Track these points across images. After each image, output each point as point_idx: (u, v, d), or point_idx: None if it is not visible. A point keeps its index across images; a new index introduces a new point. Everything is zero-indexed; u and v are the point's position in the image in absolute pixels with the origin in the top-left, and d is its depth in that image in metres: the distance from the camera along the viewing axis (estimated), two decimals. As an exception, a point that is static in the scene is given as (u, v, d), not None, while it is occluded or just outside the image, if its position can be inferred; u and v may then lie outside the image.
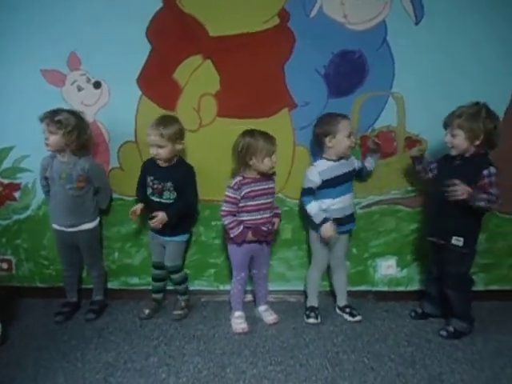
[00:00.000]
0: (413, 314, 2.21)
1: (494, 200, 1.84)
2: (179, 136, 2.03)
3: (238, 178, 1.99)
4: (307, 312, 2.20)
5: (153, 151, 2.02)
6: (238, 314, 2.12)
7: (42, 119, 2.00)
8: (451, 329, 2.01)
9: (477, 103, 1.88)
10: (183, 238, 2.20)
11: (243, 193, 1.98)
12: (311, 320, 2.16)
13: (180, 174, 2.08)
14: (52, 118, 1.98)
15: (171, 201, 2.08)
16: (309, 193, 2.05)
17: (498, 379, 1.73)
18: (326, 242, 2.12)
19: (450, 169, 1.97)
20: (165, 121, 2.01)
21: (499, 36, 2.12)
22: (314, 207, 2.04)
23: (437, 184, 1.98)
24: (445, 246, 1.96)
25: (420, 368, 1.79)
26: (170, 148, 2.01)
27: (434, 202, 2.03)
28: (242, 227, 1.99)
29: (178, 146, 2.04)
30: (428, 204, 2.18)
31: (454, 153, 1.94)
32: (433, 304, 2.16)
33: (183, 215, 2.12)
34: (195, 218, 2.29)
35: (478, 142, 1.86)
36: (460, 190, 1.83)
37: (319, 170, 2.03)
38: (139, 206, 2.11)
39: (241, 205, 2.00)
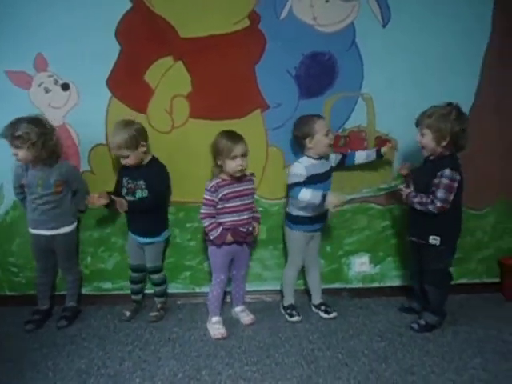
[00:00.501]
0: (399, 305, 2.27)
1: (427, 202, 1.89)
2: (138, 140, 1.99)
3: (216, 181, 1.98)
4: (288, 311, 2.22)
5: (122, 162, 2.03)
6: (215, 319, 2.09)
7: (3, 136, 1.95)
8: (422, 322, 2.06)
9: (449, 104, 1.91)
10: (161, 238, 2.19)
11: (220, 195, 1.97)
12: (295, 318, 2.18)
13: (152, 173, 2.08)
14: (12, 134, 1.93)
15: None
16: (297, 185, 2.03)
17: (466, 369, 1.78)
18: (306, 242, 2.16)
19: (418, 170, 2.03)
20: (117, 131, 1.98)
21: (464, 34, 2.19)
22: (306, 193, 1.97)
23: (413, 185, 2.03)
24: (424, 245, 2.01)
25: (392, 362, 1.83)
26: (134, 154, 2.00)
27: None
28: (220, 229, 1.99)
29: (142, 149, 2.02)
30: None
31: (424, 153, 1.98)
32: (417, 301, 2.20)
33: (153, 208, 2.09)
34: (166, 219, 2.26)
35: (444, 143, 1.89)
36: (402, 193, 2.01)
37: (305, 165, 2.04)
38: (100, 195, 2.04)
39: (219, 207, 1.99)
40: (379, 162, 2.27)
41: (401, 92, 2.21)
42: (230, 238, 2.00)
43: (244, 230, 2.04)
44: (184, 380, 1.73)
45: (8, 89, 2.11)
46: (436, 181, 1.88)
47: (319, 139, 2.02)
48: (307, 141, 2.04)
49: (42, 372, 1.79)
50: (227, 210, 2.00)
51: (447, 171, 1.86)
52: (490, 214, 2.42)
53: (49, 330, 2.11)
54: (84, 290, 2.36)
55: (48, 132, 2.01)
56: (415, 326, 2.06)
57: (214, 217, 2.00)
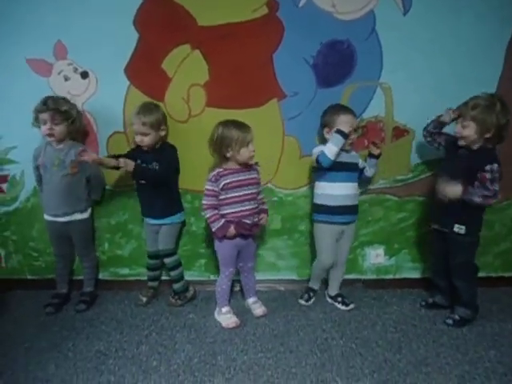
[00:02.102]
0: (423, 303, 2.22)
1: (490, 195, 1.85)
2: (162, 123, 2.07)
3: (217, 170, 1.95)
4: (302, 292, 2.27)
5: (137, 139, 2.05)
6: (225, 309, 2.08)
7: (42, 110, 1.99)
8: (457, 317, 2.04)
9: (492, 95, 1.85)
10: (175, 219, 2.20)
11: (222, 184, 1.94)
12: (302, 301, 2.23)
13: (163, 154, 2.10)
14: (58, 108, 1.99)
15: None
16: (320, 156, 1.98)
17: (481, 362, 1.77)
18: (335, 237, 2.12)
19: (455, 158, 1.96)
20: (146, 109, 2.02)
21: (484, 24, 2.12)
22: (325, 146, 1.96)
23: (442, 171, 2.00)
24: (449, 235, 1.98)
25: (406, 353, 1.83)
26: (154, 135, 2.04)
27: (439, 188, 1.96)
28: (222, 221, 1.95)
29: (162, 133, 2.08)
30: (435, 190, 2.07)
31: (461, 143, 1.91)
32: (443, 295, 2.17)
33: (162, 180, 2.09)
34: (180, 201, 2.26)
35: (488, 136, 1.85)
36: (450, 191, 1.87)
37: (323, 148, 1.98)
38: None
39: (221, 197, 1.96)
40: (396, 154, 2.25)
41: (419, 82, 2.17)
42: (232, 231, 1.96)
43: (249, 221, 1.99)
44: (200, 364, 1.76)
45: (28, 76, 2.13)
46: (488, 175, 1.84)
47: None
48: (325, 131, 2.04)
49: (62, 352, 1.84)
50: (229, 200, 1.95)
51: (496, 166, 1.83)
52: (510, 207, 2.37)
53: (68, 314, 2.17)
54: (101, 276, 2.41)
55: (80, 113, 2.13)
56: (450, 321, 2.04)
57: (216, 208, 1.97)
